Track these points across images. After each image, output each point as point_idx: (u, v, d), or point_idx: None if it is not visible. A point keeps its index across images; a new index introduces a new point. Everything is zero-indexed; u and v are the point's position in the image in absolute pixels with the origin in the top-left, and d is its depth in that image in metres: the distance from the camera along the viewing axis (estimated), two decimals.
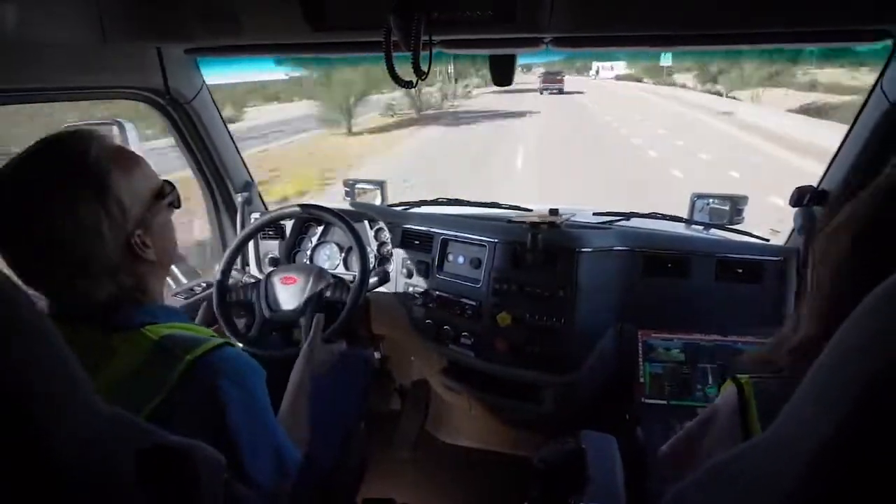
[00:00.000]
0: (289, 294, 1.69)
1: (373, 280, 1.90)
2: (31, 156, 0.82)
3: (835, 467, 0.39)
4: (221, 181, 2.11)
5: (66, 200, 0.80)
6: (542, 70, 33.84)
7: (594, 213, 2.05)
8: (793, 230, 1.68)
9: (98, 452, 0.55)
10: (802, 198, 1.53)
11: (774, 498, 0.44)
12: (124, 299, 0.89)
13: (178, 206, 1.02)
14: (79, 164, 0.82)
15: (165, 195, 0.96)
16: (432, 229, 1.97)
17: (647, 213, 2.04)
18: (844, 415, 0.38)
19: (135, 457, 0.59)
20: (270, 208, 2.28)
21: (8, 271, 0.79)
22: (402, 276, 2.02)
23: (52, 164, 0.82)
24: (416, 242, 2.00)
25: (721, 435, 0.82)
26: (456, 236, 1.93)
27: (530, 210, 1.99)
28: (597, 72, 50.41)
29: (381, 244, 2.09)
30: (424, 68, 1.05)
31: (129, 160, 0.90)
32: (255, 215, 2.10)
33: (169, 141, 1.99)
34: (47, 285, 0.85)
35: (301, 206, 1.85)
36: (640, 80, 42.81)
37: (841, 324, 0.43)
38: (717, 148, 13.89)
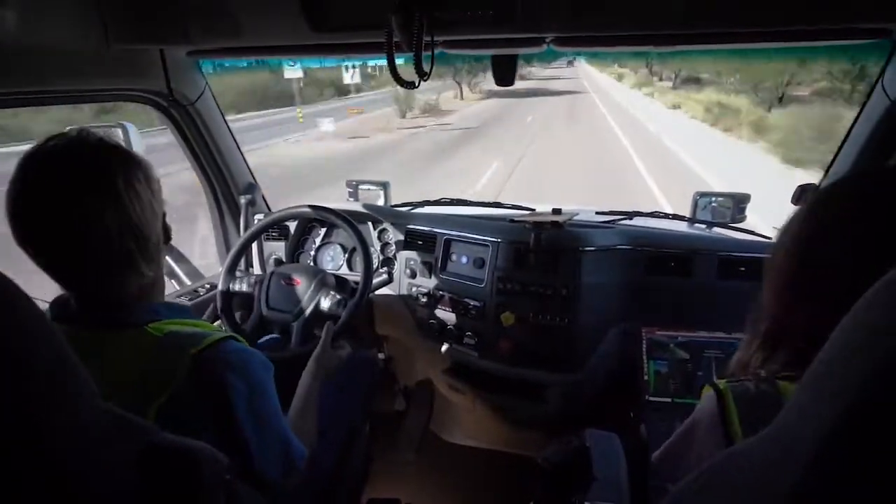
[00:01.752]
0: (289, 295, 1.69)
1: (376, 281, 1.90)
2: (73, 149, 0.83)
3: (838, 462, 0.39)
4: (225, 183, 2.11)
5: (127, 184, 0.83)
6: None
7: (597, 213, 2.06)
8: None
9: (99, 452, 0.55)
10: (804, 195, 1.53)
11: (778, 494, 0.44)
12: (150, 288, 0.93)
13: None
14: (124, 151, 0.86)
15: None
16: (435, 229, 1.97)
17: (649, 212, 2.05)
18: (847, 409, 0.38)
19: (136, 456, 0.60)
20: (274, 209, 2.29)
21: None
22: (405, 276, 2.02)
23: (101, 153, 0.84)
24: (420, 243, 2.00)
25: (705, 442, 0.82)
26: (459, 236, 1.93)
27: (533, 210, 1.99)
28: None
29: (385, 245, 2.09)
30: (426, 69, 1.05)
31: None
32: (259, 216, 2.10)
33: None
34: (101, 278, 0.86)
35: (305, 207, 1.85)
36: None
37: (798, 303, 0.44)
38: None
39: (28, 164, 0.81)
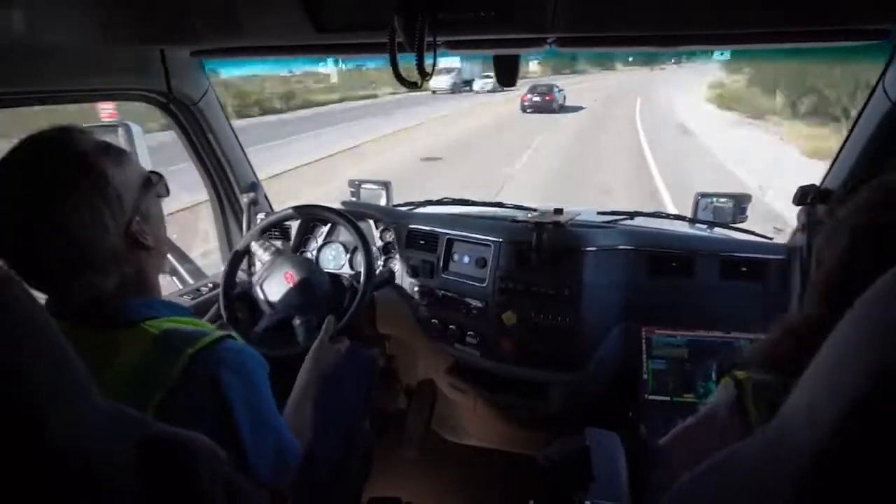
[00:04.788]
0: (280, 290, 1.69)
1: (378, 280, 1.91)
2: (26, 155, 0.82)
3: (838, 461, 0.39)
4: (227, 182, 2.12)
5: (70, 195, 0.81)
6: None
7: (598, 213, 2.06)
8: (796, 228, 1.68)
9: (98, 447, 0.55)
10: (805, 196, 1.53)
11: (779, 492, 0.44)
12: (128, 290, 0.90)
13: (167, 195, 1.04)
14: (75, 159, 0.83)
15: (153, 184, 0.97)
16: (437, 229, 1.98)
17: (651, 212, 2.05)
18: (848, 408, 0.38)
19: (135, 449, 0.60)
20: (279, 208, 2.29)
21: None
22: (407, 275, 2.03)
23: (49, 161, 0.82)
24: (421, 242, 2.01)
25: (721, 431, 0.82)
26: (461, 236, 1.94)
27: (535, 209, 1.99)
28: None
29: (387, 244, 2.09)
30: (428, 69, 1.05)
31: (117, 152, 0.91)
32: (262, 216, 2.11)
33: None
34: (55, 282, 0.86)
35: (306, 206, 1.85)
36: None
37: (844, 303, 0.44)
38: None
39: (4, 167, 0.81)
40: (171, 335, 0.86)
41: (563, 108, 22.34)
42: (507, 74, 1.52)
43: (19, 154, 0.82)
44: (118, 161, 0.89)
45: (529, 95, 22.20)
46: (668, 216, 2.05)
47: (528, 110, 21.84)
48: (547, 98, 21.88)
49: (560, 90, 22.91)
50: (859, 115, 1.46)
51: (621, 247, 1.80)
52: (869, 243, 0.72)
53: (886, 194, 0.75)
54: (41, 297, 0.82)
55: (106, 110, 3.28)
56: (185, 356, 0.83)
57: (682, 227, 2.02)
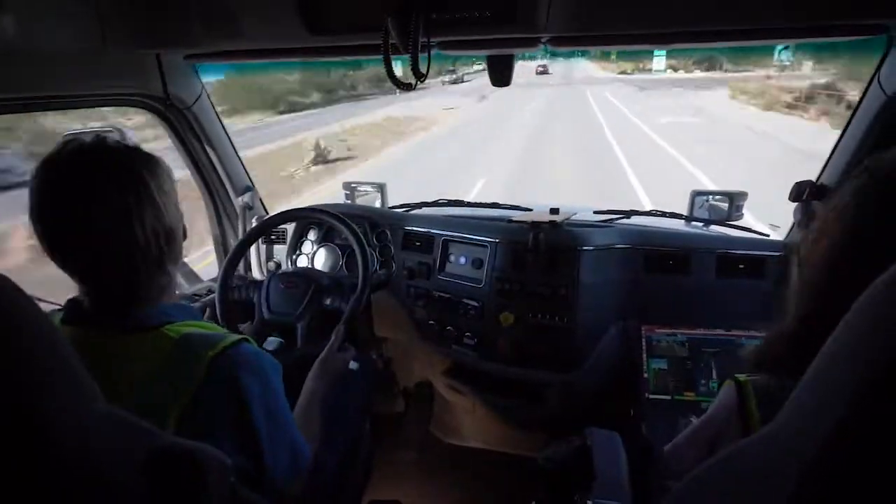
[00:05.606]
0: (289, 297, 1.68)
1: (375, 282, 1.90)
2: (103, 152, 0.84)
3: (838, 460, 0.39)
4: (222, 186, 2.11)
5: (157, 184, 0.87)
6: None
7: (594, 212, 2.05)
8: (793, 225, 1.68)
9: (102, 453, 0.55)
10: (802, 192, 1.53)
11: (779, 492, 0.43)
12: (163, 291, 0.94)
13: None
14: (146, 152, 0.89)
15: None
16: (433, 231, 1.97)
17: (647, 210, 2.05)
18: (847, 407, 0.38)
19: (140, 459, 0.60)
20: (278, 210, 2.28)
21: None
22: (403, 277, 2.02)
23: (130, 154, 0.86)
24: (418, 244, 2.00)
25: (722, 434, 0.82)
26: (457, 237, 1.94)
27: (531, 210, 1.99)
28: None
29: (383, 246, 2.09)
30: (423, 70, 1.05)
31: None
32: (256, 220, 2.10)
33: None
34: (129, 280, 0.88)
35: (301, 209, 1.84)
36: None
37: (832, 302, 0.44)
38: None
39: (54, 170, 0.81)
40: (190, 340, 0.87)
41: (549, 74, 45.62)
42: (500, 74, 1.51)
43: (101, 154, 0.84)
44: None
45: (539, 69, 44.82)
46: (663, 214, 2.05)
47: (537, 74, 43.69)
48: (546, 70, 45.45)
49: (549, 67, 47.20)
50: (855, 109, 1.46)
51: (618, 246, 1.80)
52: (857, 239, 0.72)
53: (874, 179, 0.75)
54: (44, 305, 0.82)
55: None
56: (206, 359, 0.84)
57: (679, 226, 2.02)
